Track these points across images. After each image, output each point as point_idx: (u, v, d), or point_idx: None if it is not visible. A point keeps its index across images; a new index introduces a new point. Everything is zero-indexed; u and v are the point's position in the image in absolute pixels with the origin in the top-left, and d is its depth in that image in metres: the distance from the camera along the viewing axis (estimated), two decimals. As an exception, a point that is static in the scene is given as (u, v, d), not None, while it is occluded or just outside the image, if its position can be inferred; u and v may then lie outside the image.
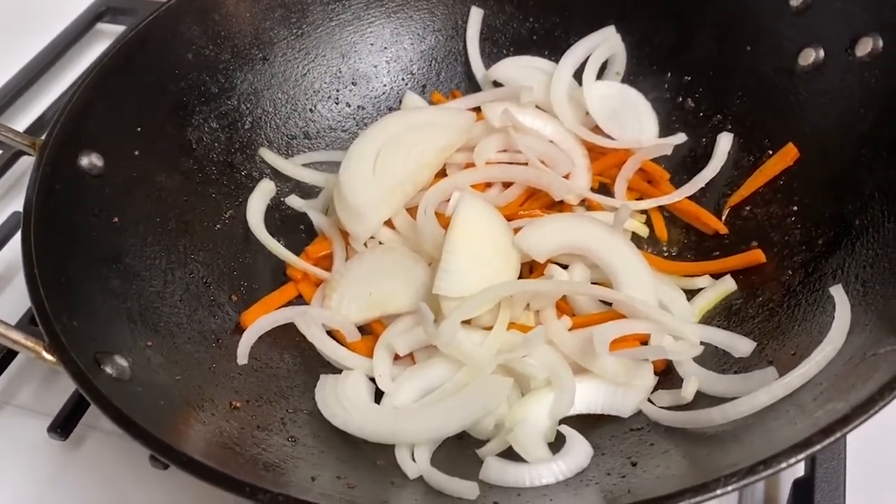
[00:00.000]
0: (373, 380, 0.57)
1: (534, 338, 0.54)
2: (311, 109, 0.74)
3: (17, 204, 0.80)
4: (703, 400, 0.52)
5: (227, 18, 0.70)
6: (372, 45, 0.76)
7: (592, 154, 0.68)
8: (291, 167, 0.70)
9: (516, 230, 0.60)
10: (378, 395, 0.56)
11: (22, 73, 0.90)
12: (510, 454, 0.51)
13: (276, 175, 0.70)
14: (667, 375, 0.56)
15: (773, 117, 0.65)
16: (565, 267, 0.61)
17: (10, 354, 0.66)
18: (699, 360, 0.55)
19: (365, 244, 0.64)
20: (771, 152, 0.64)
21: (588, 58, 0.72)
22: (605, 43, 0.72)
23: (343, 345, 0.59)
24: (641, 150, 0.68)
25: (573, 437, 0.51)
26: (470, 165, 0.68)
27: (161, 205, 0.62)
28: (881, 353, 0.45)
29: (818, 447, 0.37)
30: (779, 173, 0.63)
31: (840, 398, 0.43)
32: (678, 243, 0.65)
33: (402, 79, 0.77)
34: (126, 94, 0.63)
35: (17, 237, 0.74)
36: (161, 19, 0.65)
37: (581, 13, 0.74)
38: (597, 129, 0.70)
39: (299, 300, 0.63)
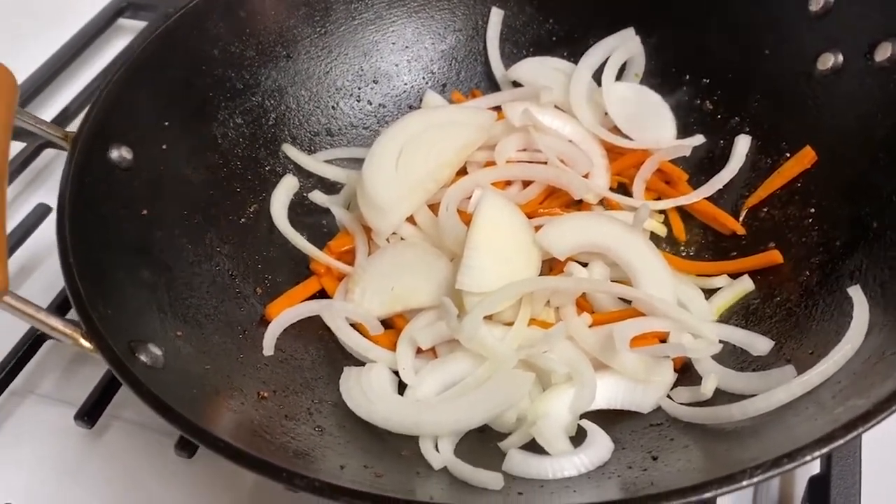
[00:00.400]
0: (395, 372, 0.58)
1: (555, 333, 0.55)
2: (333, 107, 0.75)
3: (42, 195, 0.81)
4: (721, 397, 0.53)
5: (253, 16, 0.71)
6: (394, 43, 0.77)
7: (611, 154, 0.69)
8: (314, 163, 0.71)
9: (536, 228, 0.61)
10: (401, 388, 0.57)
11: (45, 67, 0.91)
12: (531, 447, 0.52)
13: (299, 171, 0.71)
14: (685, 373, 0.57)
15: (791, 120, 0.66)
16: (585, 265, 0.62)
17: (36, 344, 0.67)
18: (717, 358, 0.56)
19: (387, 240, 0.65)
20: (788, 155, 0.65)
21: (607, 59, 0.73)
22: (625, 45, 0.73)
23: (366, 338, 0.60)
24: (660, 151, 0.68)
25: (594, 431, 0.52)
26: (490, 164, 0.69)
27: (187, 198, 0.63)
28: (900, 352, 0.45)
29: (841, 441, 0.38)
30: (796, 176, 0.64)
31: (860, 396, 0.44)
32: (696, 243, 0.66)
33: (423, 77, 0.78)
34: (154, 90, 0.63)
35: (43, 227, 0.77)
36: (188, 16, 0.66)
37: (601, 15, 0.75)
38: (615, 130, 0.71)
39: (322, 294, 0.64)
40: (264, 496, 0.58)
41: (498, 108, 0.71)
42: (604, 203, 0.67)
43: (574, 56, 0.75)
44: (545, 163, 0.67)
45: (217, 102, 0.68)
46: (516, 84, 0.76)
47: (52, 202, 0.77)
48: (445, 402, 0.54)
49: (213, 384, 0.50)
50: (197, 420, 0.41)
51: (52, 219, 0.77)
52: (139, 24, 0.97)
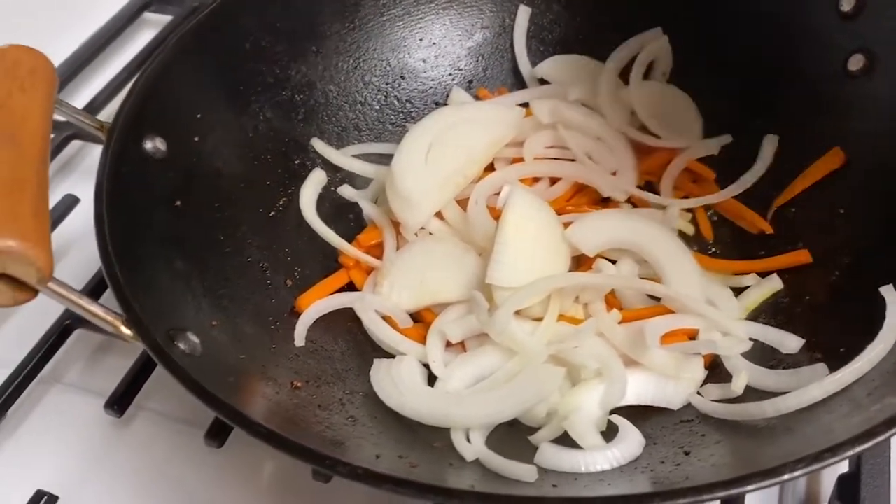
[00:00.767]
0: (425, 365, 0.58)
1: (585, 329, 0.56)
2: (360, 102, 0.75)
3: (69, 186, 0.81)
4: (751, 394, 0.53)
5: (284, 10, 0.71)
6: (421, 40, 0.77)
7: (638, 153, 0.70)
8: (342, 158, 0.72)
9: (565, 224, 0.62)
10: (430, 381, 0.58)
11: (71, 60, 0.92)
12: (562, 441, 0.52)
13: (327, 165, 0.72)
14: (714, 370, 0.57)
15: (821, 121, 0.66)
16: (613, 262, 0.62)
17: (64, 334, 0.68)
18: (747, 356, 0.56)
19: (415, 234, 0.65)
20: (817, 155, 0.65)
21: (634, 58, 0.73)
22: (652, 43, 0.74)
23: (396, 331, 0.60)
24: (687, 150, 0.69)
25: (625, 426, 0.52)
26: (517, 160, 0.69)
27: (219, 191, 0.63)
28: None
29: (882, 437, 0.38)
30: (825, 175, 0.64)
31: (895, 395, 0.44)
32: (723, 242, 0.66)
33: (450, 74, 0.78)
34: (186, 82, 0.64)
35: (70, 217, 0.77)
36: (221, 9, 0.67)
37: (628, 14, 0.75)
38: (642, 129, 0.71)
39: (350, 287, 0.65)
40: (290, 486, 0.58)
41: (525, 106, 0.72)
42: (631, 201, 0.67)
43: (601, 54, 0.75)
44: (573, 160, 0.68)
45: (248, 96, 0.68)
46: (543, 81, 0.76)
47: (79, 193, 0.79)
48: (476, 395, 0.54)
49: (248, 373, 0.51)
50: (237, 407, 0.41)
51: (79, 209, 0.78)
52: (164, 19, 0.97)
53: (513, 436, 0.54)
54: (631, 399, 0.55)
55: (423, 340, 0.60)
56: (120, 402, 0.62)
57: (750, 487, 0.37)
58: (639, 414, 0.54)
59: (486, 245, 0.62)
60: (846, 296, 0.57)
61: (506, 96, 0.74)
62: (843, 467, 0.56)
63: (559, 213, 0.63)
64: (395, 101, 0.77)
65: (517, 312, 0.58)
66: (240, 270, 0.60)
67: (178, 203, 0.59)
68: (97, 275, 0.70)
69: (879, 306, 0.51)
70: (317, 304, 0.60)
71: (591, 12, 0.76)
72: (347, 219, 0.70)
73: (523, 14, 0.77)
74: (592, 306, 0.59)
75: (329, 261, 0.67)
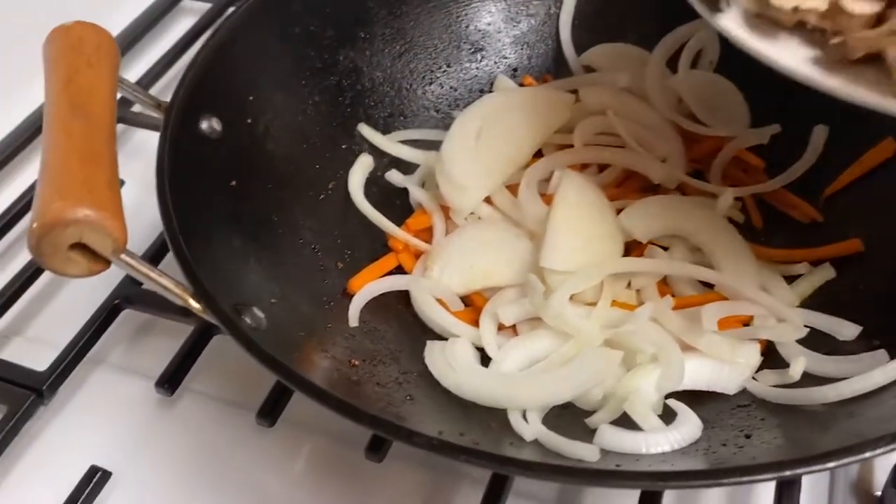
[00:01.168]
0: (478, 348, 0.58)
1: (641, 314, 0.56)
2: (406, 88, 0.76)
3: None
4: (807, 381, 0.53)
5: (333, -6, 0.71)
6: (466, 27, 0.78)
7: (686, 141, 0.69)
8: (389, 143, 0.72)
9: (617, 210, 0.62)
10: (482, 363, 0.58)
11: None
12: (618, 424, 0.52)
13: (373, 150, 0.72)
14: (768, 357, 0.57)
15: (872, 112, 0.65)
16: (665, 249, 0.62)
17: (112, 314, 0.68)
18: (802, 343, 0.56)
19: (465, 219, 0.65)
20: (868, 146, 0.65)
21: (682, 46, 0.73)
22: (700, 32, 0.74)
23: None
24: (736, 139, 0.69)
25: (683, 410, 0.52)
26: (564, 147, 0.69)
27: (271, 172, 0.64)
28: None
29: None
30: (877, 165, 0.64)
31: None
32: (773, 231, 0.66)
33: (494, 62, 0.78)
34: (238, 65, 0.64)
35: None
36: (273, -7, 0.67)
37: (675, 2, 0.75)
38: (690, 117, 0.71)
39: (398, 270, 0.65)
40: (339, 465, 0.59)
41: (573, 93, 0.72)
42: (681, 188, 0.67)
43: (647, 43, 0.75)
44: (622, 147, 0.68)
45: (297, 80, 0.69)
46: (588, 70, 0.76)
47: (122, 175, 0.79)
48: (533, 377, 0.54)
49: (309, 349, 0.51)
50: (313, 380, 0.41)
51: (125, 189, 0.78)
52: (204, 7, 0.98)
53: (565, 418, 0.54)
54: (685, 384, 0.55)
55: (474, 324, 0.60)
56: (171, 381, 0.62)
57: (831, 465, 0.37)
58: (693, 398, 0.54)
59: (537, 229, 0.62)
60: (903, 283, 0.57)
61: (554, 83, 0.74)
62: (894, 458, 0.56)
63: (609, 199, 0.63)
64: (440, 88, 0.77)
65: (570, 297, 0.58)
66: (294, 251, 0.61)
67: (234, 183, 0.59)
68: (144, 255, 0.71)
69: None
70: (370, 286, 0.61)
71: (637, 0, 0.76)
72: (394, 204, 0.70)
73: (569, 2, 0.77)
74: (645, 292, 0.59)
75: (377, 244, 0.67)
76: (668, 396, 0.54)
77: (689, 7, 0.74)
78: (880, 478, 0.56)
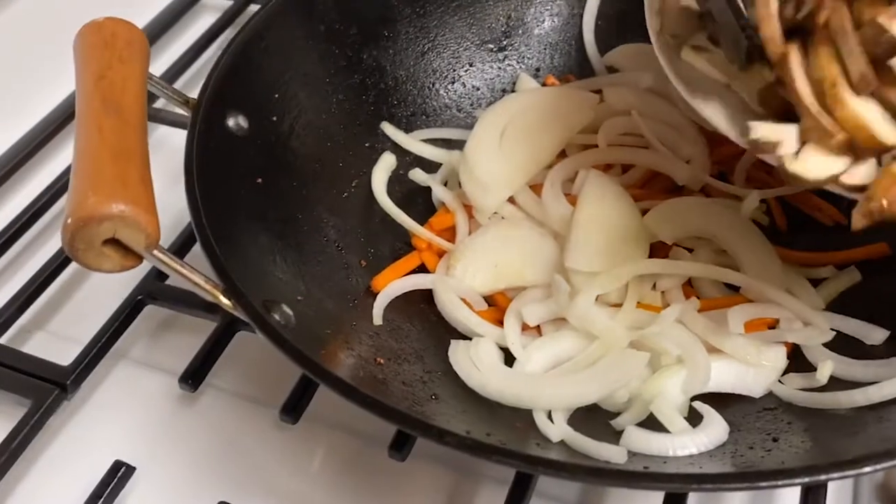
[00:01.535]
0: (502, 349, 0.58)
1: (666, 315, 0.55)
2: (429, 87, 0.76)
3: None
4: (835, 385, 0.53)
5: (357, -8, 0.72)
6: (489, 26, 0.78)
7: (710, 142, 0.69)
8: (412, 142, 0.72)
9: (642, 211, 0.61)
10: (506, 364, 0.58)
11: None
12: (644, 426, 0.52)
13: (396, 148, 0.72)
14: (794, 361, 0.56)
15: None
16: (690, 251, 0.62)
17: (135, 311, 0.68)
18: (829, 347, 0.56)
19: (488, 218, 0.65)
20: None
21: (706, 48, 0.73)
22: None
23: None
24: (762, 141, 0.68)
25: (709, 412, 0.52)
26: (587, 147, 0.69)
27: (296, 170, 0.64)
28: None
29: None
30: (904, 169, 0.63)
31: None
32: (798, 234, 0.66)
33: (517, 61, 0.78)
34: (264, 63, 0.65)
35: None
36: (298, -9, 0.67)
37: (700, 4, 0.74)
38: (714, 119, 0.70)
39: (421, 269, 0.65)
40: (362, 464, 0.59)
41: (597, 92, 0.71)
42: (705, 190, 0.67)
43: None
44: (646, 147, 0.67)
45: (321, 78, 0.69)
46: (611, 70, 0.76)
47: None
48: (559, 378, 0.54)
49: (335, 347, 0.51)
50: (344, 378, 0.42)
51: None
52: (225, 4, 0.98)
53: (590, 419, 0.54)
54: (710, 386, 0.55)
55: (498, 323, 0.60)
56: (194, 377, 0.62)
57: (867, 469, 0.37)
58: (719, 401, 0.54)
59: (562, 230, 0.62)
60: (930, 288, 0.56)
61: (577, 83, 0.73)
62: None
63: (634, 200, 0.63)
64: (462, 88, 0.77)
65: (595, 298, 0.57)
66: (318, 249, 0.61)
67: (260, 181, 0.59)
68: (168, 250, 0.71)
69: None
70: (394, 284, 0.61)
71: (662, 2, 0.76)
72: (417, 203, 0.70)
73: (592, 2, 0.77)
74: (670, 294, 0.59)
75: (399, 243, 0.67)
76: (693, 399, 0.54)
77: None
78: (905, 483, 0.56)
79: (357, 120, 0.71)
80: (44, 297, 0.70)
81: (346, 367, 0.50)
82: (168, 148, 0.80)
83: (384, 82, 0.73)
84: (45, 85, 0.83)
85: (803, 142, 0.46)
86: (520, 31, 0.78)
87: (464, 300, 0.61)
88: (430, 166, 0.72)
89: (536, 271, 0.61)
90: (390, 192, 0.69)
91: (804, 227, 0.66)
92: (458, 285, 0.61)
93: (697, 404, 0.53)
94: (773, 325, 0.57)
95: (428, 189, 0.70)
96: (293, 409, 0.59)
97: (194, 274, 0.45)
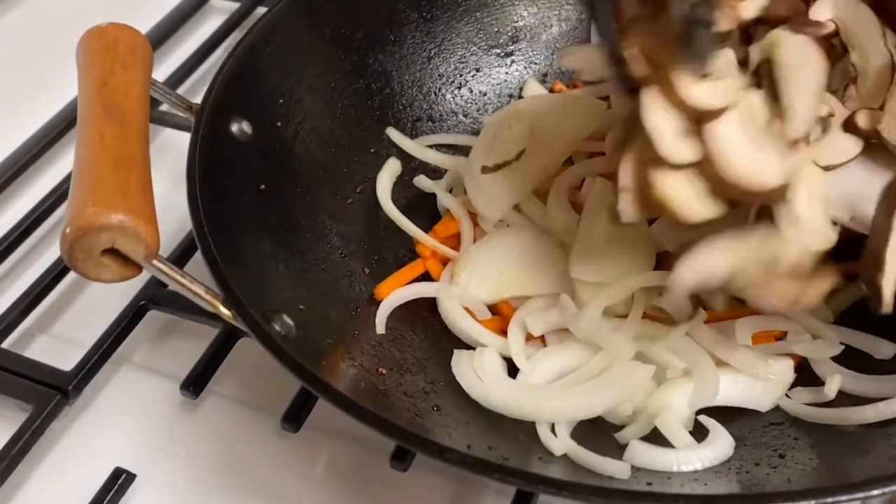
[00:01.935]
0: (505, 358, 0.58)
1: (676, 331, 0.55)
2: (435, 93, 0.75)
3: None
4: (843, 399, 0.52)
5: (364, -4, 0.71)
6: (497, 31, 0.77)
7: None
8: (417, 148, 0.71)
9: (648, 221, 0.61)
10: (510, 374, 0.57)
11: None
12: (647, 440, 0.51)
13: (401, 154, 0.71)
14: (801, 374, 0.56)
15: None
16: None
17: (137, 317, 0.68)
18: (837, 361, 0.55)
19: (493, 226, 0.65)
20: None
21: (716, 55, 0.72)
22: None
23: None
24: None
25: (715, 426, 0.51)
26: (595, 154, 0.68)
27: (300, 176, 0.63)
28: None
29: None
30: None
31: None
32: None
33: (524, 66, 0.77)
34: (269, 68, 0.64)
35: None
36: (304, -4, 0.67)
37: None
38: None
39: (426, 277, 0.64)
40: (363, 473, 0.58)
41: (604, 99, 0.71)
42: (713, 199, 0.66)
43: (680, 50, 0.74)
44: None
45: (327, 83, 0.69)
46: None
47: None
48: (563, 390, 0.54)
49: (337, 357, 0.51)
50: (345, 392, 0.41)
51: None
52: (232, 6, 0.97)
53: (594, 432, 0.54)
54: (718, 399, 0.54)
55: (501, 333, 0.59)
56: (196, 383, 0.62)
57: (875, 493, 0.36)
58: (725, 415, 0.53)
59: (567, 238, 0.61)
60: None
61: (585, 89, 0.73)
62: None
63: (641, 209, 0.62)
64: (469, 93, 0.76)
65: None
66: (322, 256, 0.60)
67: (263, 187, 0.59)
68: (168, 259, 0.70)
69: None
70: (397, 293, 0.60)
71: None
72: (421, 209, 0.70)
73: (601, 8, 0.76)
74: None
75: (403, 250, 0.66)
76: (699, 412, 0.53)
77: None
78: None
79: (362, 125, 0.70)
80: (47, 301, 0.70)
81: (347, 378, 0.49)
82: (173, 151, 0.79)
83: (390, 87, 0.73)
84: (48, 89, 0.83)
85: None
86: (527, 36, 0.77)
87: (467, 309, 0.61)
88: (436, 172, 0.72)
89: (541, 280, 0.60)
90: (395, 199, 0.68)
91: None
92: (462, 294, 0.61)
93: (703, 418, 0.52)
94: (781, 337, 0.57)
95: (433, 195, 0.69)
96: (294, 417, 0.58)
97: (194, 284, 0.45)
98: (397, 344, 0.58)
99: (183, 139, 0.57)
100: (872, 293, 0.45)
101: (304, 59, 0.67)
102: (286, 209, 0.60)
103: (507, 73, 0.77)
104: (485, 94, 0.77)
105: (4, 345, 0.66)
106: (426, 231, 0.66)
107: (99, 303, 0.71)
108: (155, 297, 0.67)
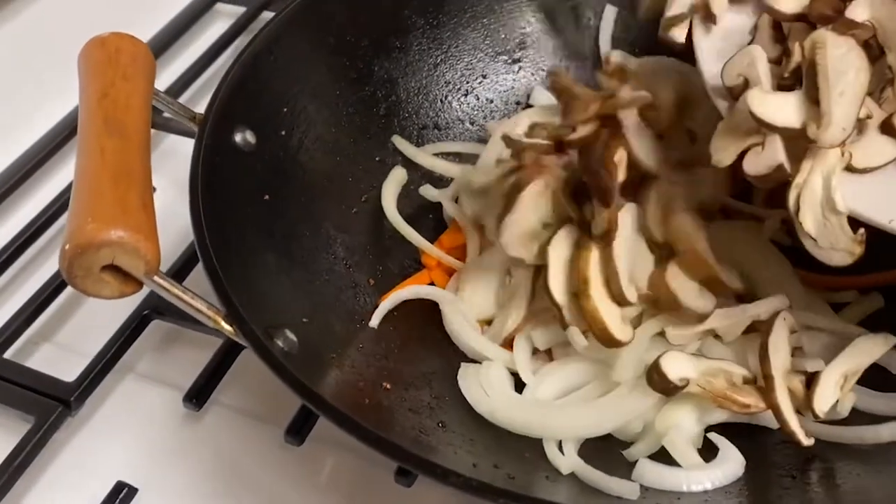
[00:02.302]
0: (512, 373, 0.57)
1: (683, 342, 0.54)
2: (441, 100, 0.74)
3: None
4: (858, 417, 0.51)
5: (368, 4, 0.70)
6: (504, 38, 0.76)
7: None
8: (423, 156, 0.71)
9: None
10: (517, 389, 0.56)
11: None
12: (656, 458, 0.50)
13: (407, 163, 0.71)
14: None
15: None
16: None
17: (142, 325, 0.67)
18: (850, 375, 0.54)
19: (500, 237, 0.64)
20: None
21: (726, 62, 0.71)
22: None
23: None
24: (783, 159, 0.66)
25: (724, 444, 0.50)
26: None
27: (304, 185, 0.63)
28: None
29: None
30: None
31: None
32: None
33: (531, 74, 0.77)
34: (273, 76, 0.63)
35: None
36: (309, 3, 0.66)
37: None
38: (734, 135, 0.68)
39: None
40: (367, 487, 0.57)
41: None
42: (724, 211, 0.65)
43: (690, 57, 0.73)
44: (664, 165, 0.66)
45: (331, 91, 0.68)
46: (628, 84, 0.74)
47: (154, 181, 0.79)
48: (571, 406, 0.53)
49: (342, 372, 0.50)
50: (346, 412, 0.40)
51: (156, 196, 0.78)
52: (238, 10, 0.97)
53: (601, 449, 0.53)
54: (726, 416, 0.53)
55: (507, 346, 0.58)
56: (199, 395, 0.61)
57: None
58: (735, 432, 0.52)
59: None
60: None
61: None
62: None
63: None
64: (476, 101, 0.76)
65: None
66: (326, 267, 0.59)
67: (267, 197, 0.58)
68: (171, 268, 0.70)
69: None
70: (402, 291, 0.59)
71: (681, 14, 0.74)
72: (427, 218, 0.69)
73: (609, 14, 0.76)
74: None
75: (409, 260, 0.66)
76: (708, 429, 0.52)
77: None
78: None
79: (367, 133, 0.70)
80: (49, 311, 0.70)
81: (350, 394, 0.48)
82: (176, 157, 0.79)
83: (395, 95, 0.72)
84: (51, 98, 0.82)
85: None
86: (534, 43, 0.76)
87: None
88: (442, 181, 0.71)
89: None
90: (400, 208, 0.67)
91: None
92: (466, 306, 0.60)
93: (713, 436, 0.51)
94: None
95: (439, 205, 0.68)
96: (298, 430, 0.58)
97: (195, 300, 0.44)
98: (402, 358, 0.57)
99: (186, 145, 0.56)
100: None
101: (309, 67, 0.66)
102: (290, 219, 0.59)
103: (514, 79, 0.76)
104: (492, 102, 0.76)
105: (6, 355, 0.65)
106: (432, 241, 0.65)
107: (101, 313, 0.70)
108: (158, 306, 0.67)
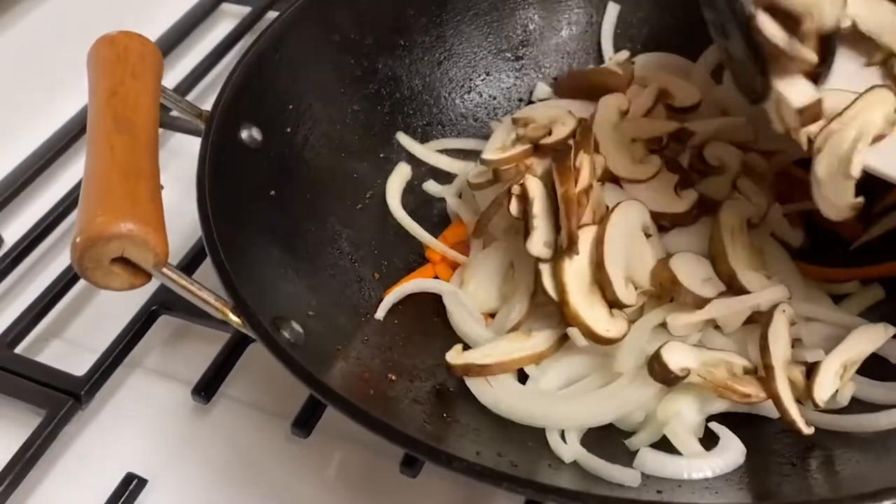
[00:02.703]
0: (516, 365, 0.57)
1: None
2: (444, 97, 0.75)
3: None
4: (857, 406, 0.52)
5: (372, 2, 0.71)
6: (507, 35, 0.77)
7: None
8: (427, 153, 0.71)
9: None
10: (520, 381, 0.57)
11: (153, 49, 0.93)
12: (658, 447, 0.51)
13: (411, 159, 0.71)
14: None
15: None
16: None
17: (150, 320, 0.68)
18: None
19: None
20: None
21: (727, 58, 0.71)
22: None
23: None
24: (784, 152, 0.67)
25: (725, 433, 0.51)
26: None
27: (309, 182, 0.63)
28: None
29: None
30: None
31: None
32: (822, 249, 0.64)
33: (535, 70, 0.77)
34: (278, 74, 0.64)
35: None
36: (313, 3, 0.67)
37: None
38: (735, 130, 0.69)
39: (435, 282, 0.64)
40: (373, 478, 0.58)
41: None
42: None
43: (691, 53, 0.74)
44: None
45: (336, 89, 0.69)
46: (630, 79, 0.75)
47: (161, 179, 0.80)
48: (574, 397, 0.53)
49: (347, 363, 0.51)
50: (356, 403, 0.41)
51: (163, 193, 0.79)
52: (244, 10, 0.98)
53: (603, 438, 0.53)
54: (726, 405, 0.54)
55: (511, 339, 0.59)
56: (207, 388, 0.62)
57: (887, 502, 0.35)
58: (735, 421, 0.53)
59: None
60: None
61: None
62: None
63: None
64: (479, 97, 0.76)
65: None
66: (331, 262, 0.60)
67: (273, 193, 0.59)
68: (179, 264, 0.71)
69: None
70: (407, 284, 0.60)
71: (683, 10, 0.74)
72: (432, 214, 0.70)
73: (612, 10, 0.76)
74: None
75: (413, 255, 0.66)
76: (709, 419, 0.53)
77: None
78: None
79: (372, 130, 0.70)
80: (59, 307, 0.71)
81: (356, 385, 0.49)
82: (184, 156, 0.80)
83: (399, 92, 0.73)
84: (62, 96, 0.83)
85: None
86: (537, 40, 0.77)
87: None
88: (446, 177, 0.72)
89: (550, 286, 0.60)
90: (405, 204, 0.68)
91: (829, 241, 0.64)
92: (470, 300, 0.61)
93: (714, 425, 0.52)
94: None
95: (443, 200, 0.69)
96: (305, 423, 0.59)
97: (203, 292, 0.45)
98: (407, 350, 0.58)
99: (194, 144, 0.57)
100: None
101: (314, 65, 0.67)
102: (296, 215, 0.60)
103: (516, 76, 0.77)
104: (494, 98, 0.76)
105: (17, 350, 0.66)
106: (436, 236, 0.66)
107: (111, 308, 0.71)
108: (166, 301, 0.68)
